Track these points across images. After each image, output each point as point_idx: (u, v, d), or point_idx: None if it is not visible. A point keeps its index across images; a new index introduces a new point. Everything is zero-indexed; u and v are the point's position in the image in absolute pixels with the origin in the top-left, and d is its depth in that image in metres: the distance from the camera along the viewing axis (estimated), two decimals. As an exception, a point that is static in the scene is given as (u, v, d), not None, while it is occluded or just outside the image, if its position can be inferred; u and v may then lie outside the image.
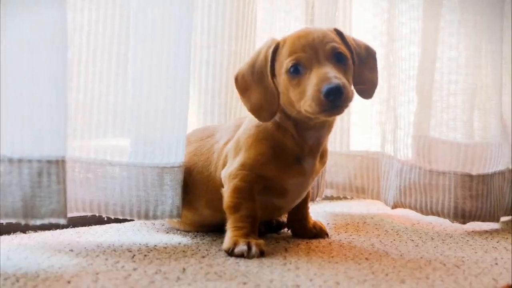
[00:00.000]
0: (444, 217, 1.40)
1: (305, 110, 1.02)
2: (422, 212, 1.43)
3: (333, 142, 1.57)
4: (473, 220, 1.39)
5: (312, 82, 1.01)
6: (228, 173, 1.11)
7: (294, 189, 1.14)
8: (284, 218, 1.29)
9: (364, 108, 1.62)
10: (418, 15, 1.45)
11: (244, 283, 0.88)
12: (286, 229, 1.28)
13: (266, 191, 1.12)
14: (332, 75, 1.00)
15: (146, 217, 1.15)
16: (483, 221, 1.40)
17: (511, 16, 1.53)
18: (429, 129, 1.46)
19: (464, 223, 1.39)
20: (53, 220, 0.99)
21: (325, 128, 1.12)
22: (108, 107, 1.16)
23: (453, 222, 1.40)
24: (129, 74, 1.15)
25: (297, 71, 1.04)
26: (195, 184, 1.18)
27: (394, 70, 1.49)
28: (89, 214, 1.17)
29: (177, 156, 1.16)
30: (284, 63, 1.05)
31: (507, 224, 1.46)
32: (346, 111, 1.53)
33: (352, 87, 1.08)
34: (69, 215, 1.25)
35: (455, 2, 1.43)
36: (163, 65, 1.13)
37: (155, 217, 1.15)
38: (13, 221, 0.98)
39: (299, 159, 1.11)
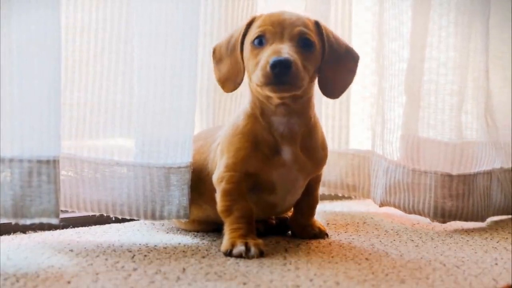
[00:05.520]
0: (425, 216, 1.41)
1: (255, 83, 1.04)
2: (405, 211, 1.43)
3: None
4: (454, 219, 1.39)
5: (265, 54, 1.02)
6: (216, 177, 1.12)
7: (281, 183, 1.12)
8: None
9: (358, 107, 1.63)
10: (407, 17, 1.45)
11: (244, 283, 0.88)
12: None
13: (255, 188, 1.12)
14: (285, 50, 1.01)
15: (153, 217, 1.16)
16: (465, 220, 1.40)
17: (511, 17, 1.54)
18: (417, 128, 1.46)
19: (444, 222, 1.40)
20: (44, 220, 0.99)
21: (293, 116, 1.10)
22: (115, 106, 1.16)
23: (432, 221, 1.41)
24: (135, 73, 1.15)
25: (260, 43, 1.06)
26: (198, 181, 1.18)
27: (384, 72, 1.48)
28: (97, 214, 1.18)
29: (184, 156, 1.15)
30: (251, 34, 1.08)
31: (507, 224, 1.46)
32: (341, 108, 1.56)
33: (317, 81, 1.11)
34: (70, 215, 1.26)
35: (444, 4, 1.43)
36: (169, 64, 1.14)
37: (162, 217, 1.16)
38: (3, 220, 0.98)
39: (276, 148, 1.10)
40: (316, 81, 1.13)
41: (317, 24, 1.11)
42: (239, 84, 1.12)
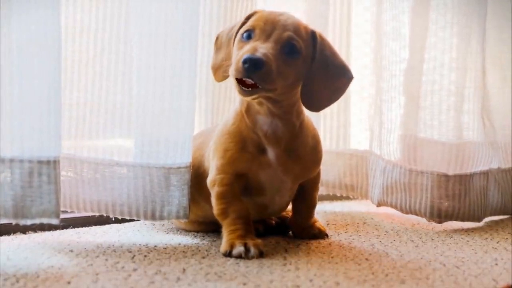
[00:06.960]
0: (421, 216, 1.41)
1: (231, 74, 1.03)
2: (402, 211, 1.44)
3: (323, 141, 1.56)
4: (450, 219, 1.40)
5: (244, 50, 1.02)
6: (209, 180, 1.13)
7: (269, 184, 1.12)
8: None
9: (357, 108, 1.63)
10: (406, 18, 1.45)
11: (244, 284, 0.88)
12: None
13: (245, 190, 1.12)
14: (262, 50, 1.01)
15: (153, 217, 1.16)
16: (461, 220, 1.41)
17: (511, 17, 1.54)
18: (415, 128, 1.46)
19: (440, 222, 1.40)
20: (45, 220, 0.99)
21: (275, 118, 1.09)
22: (115, 106, 1.16)
23: (429, 222, 1.42)
24: (135, 73, 1.15)
25: (248, 37, 1.06)
26: (196, 178, 1.18)
27: (382, 72, 1.48)
28: (97, 214, 1.18)
29: (183, 157, 1.16)
30: (243, 27, 1.08)
31: (507, 224, 1.46)
32: (339, 108, 1.56)
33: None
34: (70, 215, 1.26)
35: (441, 5, 1.43)
36: (168, 64, 1.14)
37: (161, 217, 1.16)
38: (4, 220, 0.98)
39: (262, 147, 1.10)
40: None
41: (312, 34, 1.10)
42: (228, 74, 1.10)
